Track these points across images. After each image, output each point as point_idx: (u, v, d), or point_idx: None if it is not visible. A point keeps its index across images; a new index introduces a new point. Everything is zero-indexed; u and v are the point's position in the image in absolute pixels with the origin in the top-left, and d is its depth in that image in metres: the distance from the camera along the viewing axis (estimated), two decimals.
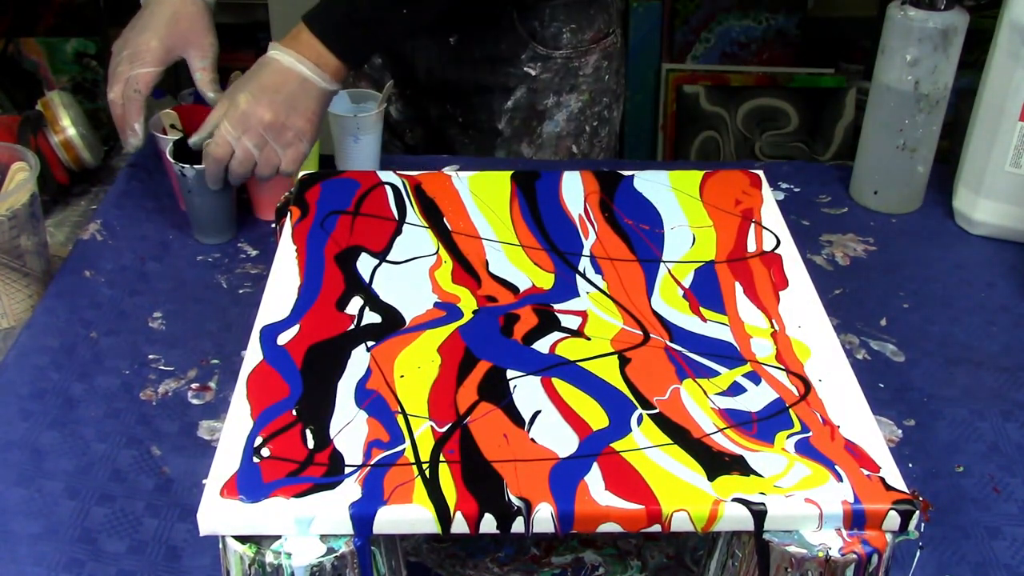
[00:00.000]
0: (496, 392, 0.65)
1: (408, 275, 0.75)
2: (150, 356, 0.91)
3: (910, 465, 0.81)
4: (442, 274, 0.75)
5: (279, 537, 0.56)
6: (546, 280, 0.75)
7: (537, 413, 0.63)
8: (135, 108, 1.01)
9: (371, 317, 0.71)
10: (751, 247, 0.79)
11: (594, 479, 0.59)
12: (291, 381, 0.65)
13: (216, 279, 1.02)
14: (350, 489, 0.57)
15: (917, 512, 0.58)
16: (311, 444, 0.60)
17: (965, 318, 0.98)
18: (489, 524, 0.57)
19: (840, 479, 0.59)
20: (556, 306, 0.72)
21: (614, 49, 1.26)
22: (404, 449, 0.60)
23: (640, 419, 0.63)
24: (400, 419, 0.62)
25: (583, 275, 0.76)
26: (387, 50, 1.24)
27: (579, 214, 0.82)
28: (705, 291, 0.75)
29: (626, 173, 0.88)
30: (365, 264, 0.76)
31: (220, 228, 1.06)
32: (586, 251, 0.78)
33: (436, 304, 0.72)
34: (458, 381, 0.65)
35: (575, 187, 0.86)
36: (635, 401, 0.64)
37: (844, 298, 1.00)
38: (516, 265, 0.77)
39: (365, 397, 0.64)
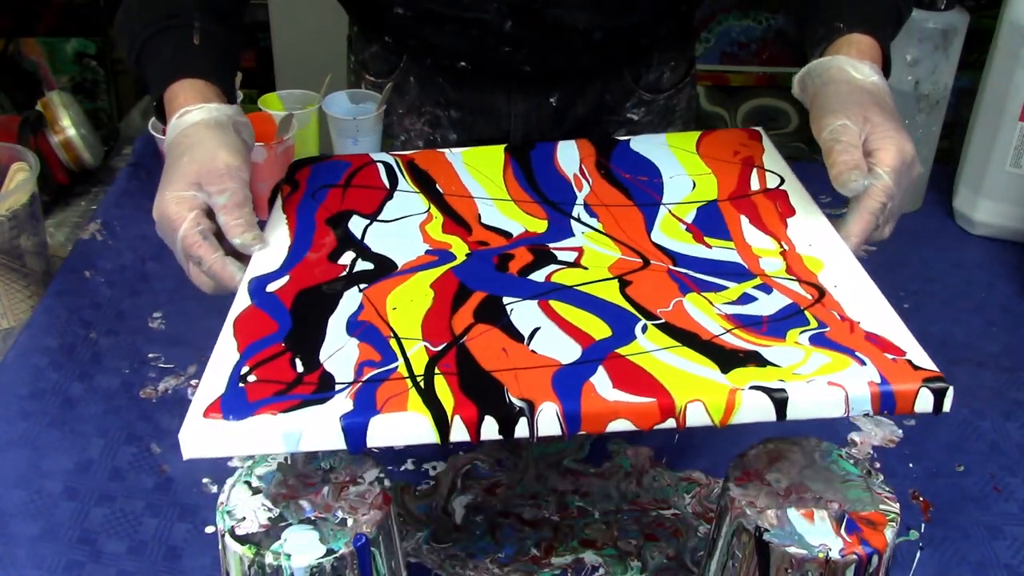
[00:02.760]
0: (493, 314, 0.62)
1: (399, 230, 0.74)
2: (150, 355, 0.91)
3: (910, 465, 0.81)
4: (433, 227, 0.74)
5: (279, 538, 0.56)
6: (539, 225, 0.73)
7: (536, 329, 0.61)
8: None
9: (363, 265, 0.69)
10: (754, 186, 0.76)
11: (600, 380, 0.56)
12: (280, 319, 0.63)
13: None
14: (340, 403, 0.56)
15: (950, 390, 0.54)
16: (300, 368, 0.59)
17: (965, 318, 0.98)
18: (491, 428, 0.54)
19: (864, 363, 0.55)
20: (551, 244, 0.70)
21: (695, 73, 1.20)
22: (397, 366, 0.58)
23: (645, 328, 0.60)
24: (393, 343, 0.60)
25: (577, 219, 0.73)
26: (474, 110, 1.09)
27: (574, 173, 0.80)
28: (709, 224, 0.71)
29: (622, 138, 0.86)
30: (356, 224, 0.74)
31: None
32: (579, 200, 0.76)
33: (428, 251, 0.70)
34: (453, 309, 0.63)
35: (571, 153, 0.83)
36: (638, 314, 0.61)
37: None
38: (508, 215, 0.75)
39: (356, 327, 0.62)
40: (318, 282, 0.67)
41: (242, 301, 0.66)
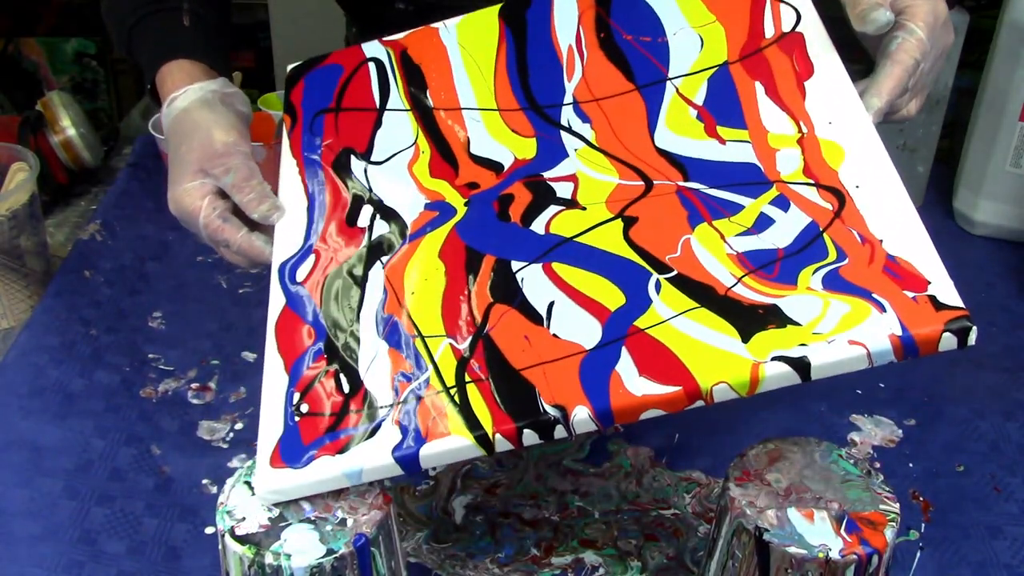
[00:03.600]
0: (507, 290, 0.62)
1: (394, 175, 0.72)
2: (150, 355, 0.91)
3: (910, 465, 0.81)
4: (420, 168, 0.71)
5: (279, 538, 0.56)
6: (528, 148, 0.70)
7: (552, 304, 0.60)
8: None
9: (381, 227, 0.69)
10: (768, 31, 0.70)
11: (625, 367, 0.56)
12: (315, 324, 0.64)
13: (216, 279, 1.02)
14: (388, 434, 0.57)
15: (974, 329, 0.53)
16: (346, 388, 0.60)
17: None
18: (531, 438, 0.56)
19: (883, 309, 0.54)
20: (545, 175, 0.68)
21: None
22: (428, 377, 0.59)
23: (658, 286, 0.59)
24: (419, 343, 0.61)
25: (568, 129, 0.70)
26: None
27: (569, 44, 0.74)
28: (722, 104, 0.67)
29: None
30: (358, 167, 0.73)
31: None
32: (567, 98, 0.71)
33: (427, 206, 0.69)
34: (468, 285, 0.63)
35: (569, 7, 0.77)
36: (647, 266, 0.60)
37: None
38: (496, 138, 0.71)
39: (384, 324, 0.63)
40: (342, 262, 0.67)
41: (277, 300, 0.67)
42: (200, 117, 0.75)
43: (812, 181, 0.61)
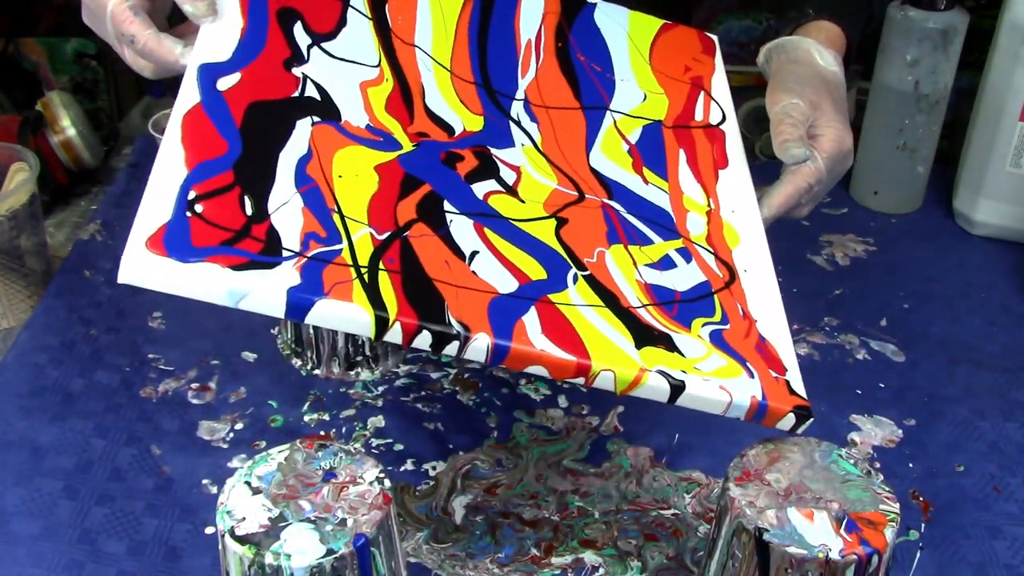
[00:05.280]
0: (434, 218, 0.62)
1: (343, 78, 0.69)
2: (150, 355, 0.91)
3: (910, 465, 0.81)
4: (376, 98, 0.69)
5: (279, 538, 0.56)
6: (475, 123, 0.71)
7: (476, 252, 0.62)
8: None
9: (312, 91, 0.66)
10: (698, 116, 0.78)
11: (531, 320, 0.59)
12: (229, 137, 0.61)
13: None
14: (288, 273, 0.56)
15: (810, 420, 0.61)
16: (249, 211, 0.58)
17: (965, 318, 0.98)
18: (424, 340, 0.56)
19: (752, 375, 0.61)
20: (493, 150, 0.69)
21: None
22: (342, 249, 0.59)
23: (575, 278, 0.63)
24: (336, 218, 0.60)
25: (517, 122, 0.72)
26: None
27: (529, 39, 0.77)
28: (650, 151, 0.73)
29: (590, 1, 0.84)
30: (301, 37, 0.70)
31: None
32: (519, 94, 0.74)
33: (369, 127, 0.67)
34: (399, 196, 0.63)
35: (535, 5, 0.80)
36: (569, 260, 0.64)
37: (844, 298, 1.00)
38: (447, 100, 0.71)
39: (304, 182, 0.61)
40: (271, 97, 0.64)
41: (190, 93, 0.63)
42: None
43: (712, 250, 0.68)
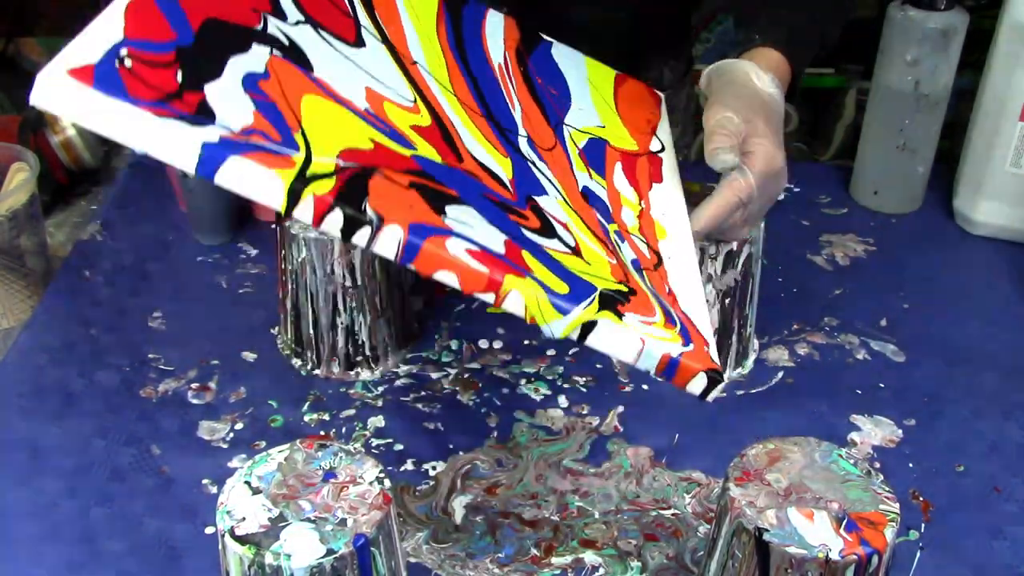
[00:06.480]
0: (436, 201, 0.58)
1: (339, 64, 0.63)
2: (150, 355, 0.91)
3: (910, 465, 0.81)
4: (405, 121, 0.63)
5: (279, 538, 0.56)
6: (506, 166, 0.67)
7: (465, 223, 0.57)
8: None
9: (278, 34, 0.60)
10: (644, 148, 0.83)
11: (457, 242, 0.55)
12: (180, 31, 0.55)
13: (216, 279, 1.02)
14: (209, 132, 0.51)
15: (721, 385, 0.61)
16: (180, 80, 0.53)
17: (965, 318, 0.98)
18: (332, 223, 0.53)
19: (678, 329, 0.62)
20: (544, 207, 0.66)
21: (694, 72, 1.18)
22: (295, 154, 0.54)
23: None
24: (299, 137, 0.55)
25: (534, 164, 0.70)
26: None
27: (499, 63, 0.77)
28: (593, 156, 0.76)
29: (545, 38, 0.85)
30: (291, 10, 0.63)
31: (220, 228, 1.06)
32: (521, 131, 0.72)
33: (368, 111, 0.62)
34: (399, 170, 0.58)
35: (497, 29, 0.80)
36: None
37: (844, 298, 1.00)
38: (477, 140, 0.67)
39: (256, 92, 0.55)
40: (231, 19, 0.59)
41: None
42: None
43: (643, 239, 0.70)
